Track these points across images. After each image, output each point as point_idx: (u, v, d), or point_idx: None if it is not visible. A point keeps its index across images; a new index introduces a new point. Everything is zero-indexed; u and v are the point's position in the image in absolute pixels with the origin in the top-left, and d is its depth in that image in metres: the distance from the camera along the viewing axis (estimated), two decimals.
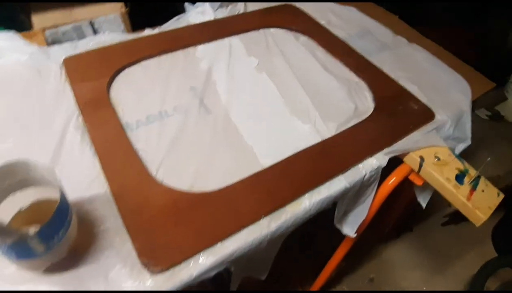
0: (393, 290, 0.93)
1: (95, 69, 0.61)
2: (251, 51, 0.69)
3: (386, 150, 0.56)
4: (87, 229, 0.44)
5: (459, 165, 0.58)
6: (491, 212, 0.54)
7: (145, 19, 0.84)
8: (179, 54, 0.67)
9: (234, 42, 0.71)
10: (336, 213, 0.57)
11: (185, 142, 0.54)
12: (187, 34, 0.70)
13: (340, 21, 0.80)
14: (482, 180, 0.57)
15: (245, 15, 0.77)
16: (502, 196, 0.57)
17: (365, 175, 0.54)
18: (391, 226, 0.93)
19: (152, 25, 0.75)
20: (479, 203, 0.54)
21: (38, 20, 0.75)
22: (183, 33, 0.70)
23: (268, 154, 0.53)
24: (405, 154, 0.58)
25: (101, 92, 0.58)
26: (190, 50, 0.68)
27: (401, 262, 0.96)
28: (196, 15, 0.75)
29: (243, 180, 0.49)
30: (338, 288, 0.93)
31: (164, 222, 0.44)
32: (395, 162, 0.58)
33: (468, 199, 0.54)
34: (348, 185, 0.52)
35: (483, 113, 1.36)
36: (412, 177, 0.60)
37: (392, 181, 0.59)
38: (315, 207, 0.50)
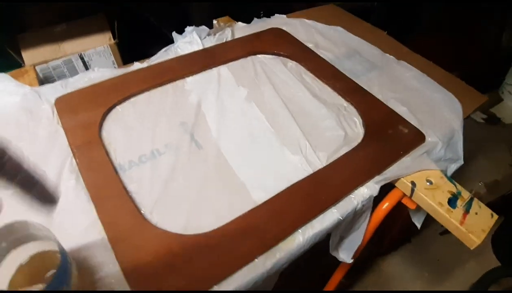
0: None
1: (86, 109, 0.62)
2: (240, 80, 0.70)
3: (376, 178, 0.56)
4: (86, 276, 0.44)
5: (451, 187, 0.58)
6: (485, 235, 0.54)
7: (135, 49, 0.85)
8: (168, 88, 0.68)
9: (223, 71, 0.71)
10: (330, 242, 0.57)
11: (177, 181, 0.54)
12: (175, 66, 0.71)
13: (327, 43, 0.80)
14: (475, 202, 0.57)
15: (232, 43, 0.77)
16: (496, 217, 0.57)
17: (357, 205, 0.54)
18: (389, 240, 0.93)
19: (142, 54, 0.75)
20: (473, 227, 0.54)
21: (29, 56, 0.75)
22: (171, 65, 0.71)
23: (260, 188, 0.54)
24: (396, 180, 0.58)
25: (93, 134, 0.58)
26: (179, 83, 0.69)
27: (400, 274, 0.97)
28: (184, 45, 0.75)
29: (235, 220, 0.49)
30: None
31: (161, 267, 0.44)
32: (387, 186, 0.59)
33: (461, 222, 0.55)
34: (340, 217, 0.52)
35: (478, 116, 1.37)
36: (405, 201, 0.61)
37: (386, 206, 0.60)
38: (309, 242, 0.50)
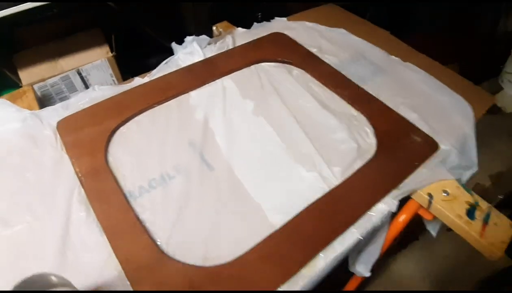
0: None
1: (89, 132, 0.60)
2: (246, 92, 0.68)
3: (394, 193, 0.55)
4: None
5: (468, 197, 0.57)
6: (505, 246, 0.54)
7: (132, 61, 0.83)
8: (172, 104, 0.66)
9: (227, 83, 0.69)
10: (349, 260, 0.57)
11: (191, 207, 0.53)
12: (178, 80, 0.68)
13: (331, 47, 0.78)
14: (494, 212, 0.56)
15: (234, 51, 0.75)
16: None
17: (376, 223, 0.53)
18: (398, 240, 0.93)
19: (140, 65, 0.73)
20: (493, 238, 0.54)
21: (25, 75, 0.72)
22: (173, 79, 0.68)
23: (277, 210, 0.52)
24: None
25: (99, 160, 0.56)
26: (183, 98, 0.67)
27: (410, 273, 0.97)
28: (185, 56, 0.73)
29: (255, 248, 0.48)
30: None
31: None
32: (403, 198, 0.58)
33: (481, 235, 0.54)
34: (361, 237, 0.51)
35: None
36: (421, 212, 0.60)
37: (403, 218, 0.59)
38: (330, 265, 0.49)
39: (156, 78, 0.68)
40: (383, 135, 0.62)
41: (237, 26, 0.85)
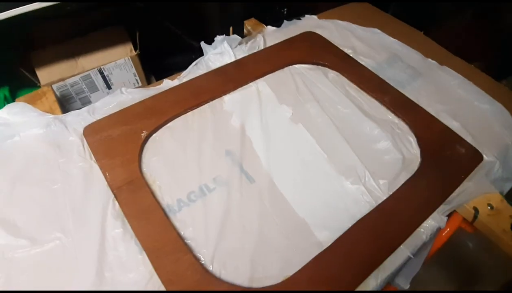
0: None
1: (120, 140, 0.56)
2: (282, 97, 0.65)
3: (442, 207, 0.53)
4: None
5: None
6: None
7: (155, 59, 0.79)
8: (206, 109, 0.62)
9: (261, 87, 0.66)
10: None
11: (233, 222, 0.50)
12: (210, 83, 0.65)
13: (366, 48, 0.75)
14: None
15: (266, 52, 0.71)
16: None
17: (425, 239, 0.51)
18: None
19: (163, 64, 0.69)
20: None
21: (44, 74, 0.68)
22: (205, 82, 0.65)
23: (323, 227, 0.50)
24: None
25: (133, 171, 0.53)
26: (217, 103, 0.63)
27: (433, 278, 0.96)
28: (215, 56, 0.69)
29: (304, 268, 0.46)
30: None
31: None
32: None
33: None
34: (411, 255, 0.50)
35: None
36: (463, 225, 0.58)
37: (446, 232, 0.57)
38: (381, 284, 0.47)
39: (187, 81, 0.65)
40: (427, 145, 0.60)
41: (262, 22, 0.81)
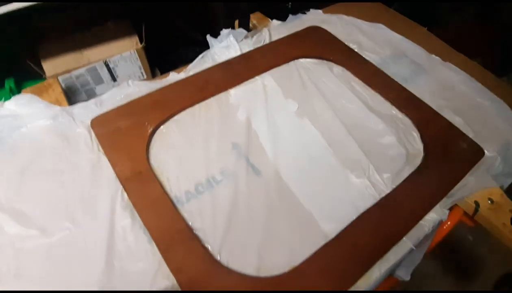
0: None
1: (128, 132, 0.57)
2: (287, 91, 0.65)
3: (444, 201, 0.55)
4: None
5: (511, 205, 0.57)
6: None
7: (160, 52, 0.79)
8: (212, 103, 0.63)
9: (267, 81, 0.66)
10: None
11: (241, 213, 0.51)
12: (216, 76, 0.65)
13: (371, 43, 0.75)
14: None
15: (272, 46, 0.72)
16: None
17: (427, 232, 0.52)
18: None
19: (169, 57, 0.70)
20: None
21: (49, 66, 0.68)
22: (212, 76, 0.66)
23: (329, 218, 0.51)
24: None
25: (141, 162, 0.54)
26: (223, 96, 0.64)
27: (432, 271, 0.98)
28: (221, 50, 0.69)
29: (310, 258, 0.47)
30: None
31: None
32: None
33: None
34: (413, 247, 0.51)
35: None
36: (464, 218, 0.60)
37: (447, 225, 0.58)
38: (384, 275, 0.49)
39: (193, 75, 0.65)
40: (430, 141, 0.61)
41: (267, 16, 0.82)
